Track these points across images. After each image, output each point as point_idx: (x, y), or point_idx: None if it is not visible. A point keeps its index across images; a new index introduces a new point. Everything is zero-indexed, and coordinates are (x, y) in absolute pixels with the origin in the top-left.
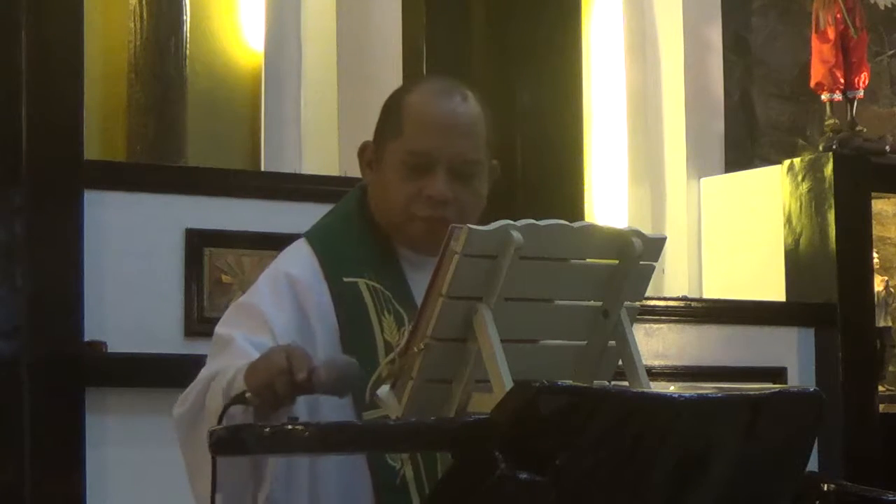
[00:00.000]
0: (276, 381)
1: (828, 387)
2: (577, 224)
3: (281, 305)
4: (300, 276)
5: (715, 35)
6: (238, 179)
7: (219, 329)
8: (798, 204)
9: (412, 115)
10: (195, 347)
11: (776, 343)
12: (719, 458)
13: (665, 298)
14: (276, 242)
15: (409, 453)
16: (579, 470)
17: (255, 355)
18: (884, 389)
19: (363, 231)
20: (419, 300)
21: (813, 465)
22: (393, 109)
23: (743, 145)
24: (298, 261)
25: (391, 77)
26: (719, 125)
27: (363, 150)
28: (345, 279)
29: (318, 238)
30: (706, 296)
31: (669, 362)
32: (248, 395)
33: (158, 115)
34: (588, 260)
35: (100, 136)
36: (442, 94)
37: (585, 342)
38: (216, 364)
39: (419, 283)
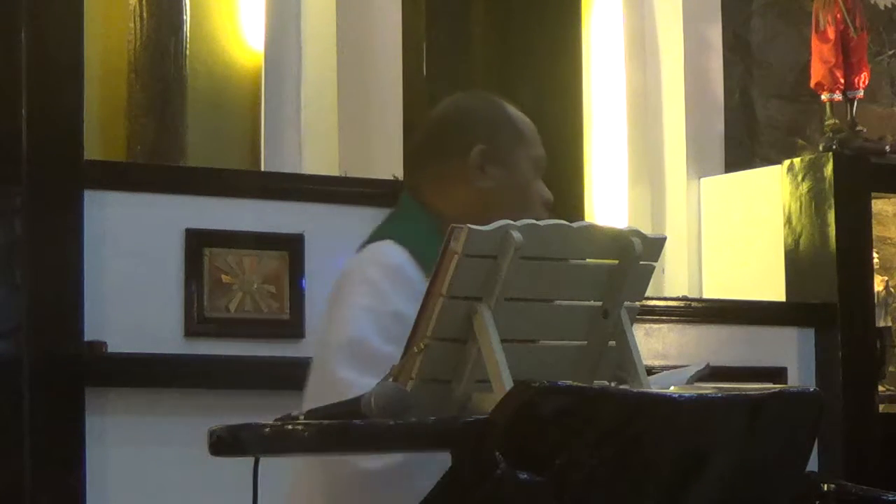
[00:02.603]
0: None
1: (828, 387)
2: (577, 224)
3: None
4: (411, 273)
5: (715, 35)
6: (238, 179)
7: (339, 373)
8: (798, 204)
9: (527, 126)
10: (195, 347)
11: (776, 343)
12: (719, 458)
13: (665, 298)
14: (276, 242)
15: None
16: (579, 470)
17: None
18: (884, 389)
19: (438, 234)
20: None
21: (813, 465)
22: (503, 119)
23: (743, 145)
24: (401, 259)
25: (391, 78)
26: (719, 125)
27: (478, 154)
28: None
29: (407, 241)
30: (706, 296)
31: (669, 362)
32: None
33: (158, 115)
34: (588, 260)
35: (100, 136)
36: None
37: (585, 342)
38: None
39: None
